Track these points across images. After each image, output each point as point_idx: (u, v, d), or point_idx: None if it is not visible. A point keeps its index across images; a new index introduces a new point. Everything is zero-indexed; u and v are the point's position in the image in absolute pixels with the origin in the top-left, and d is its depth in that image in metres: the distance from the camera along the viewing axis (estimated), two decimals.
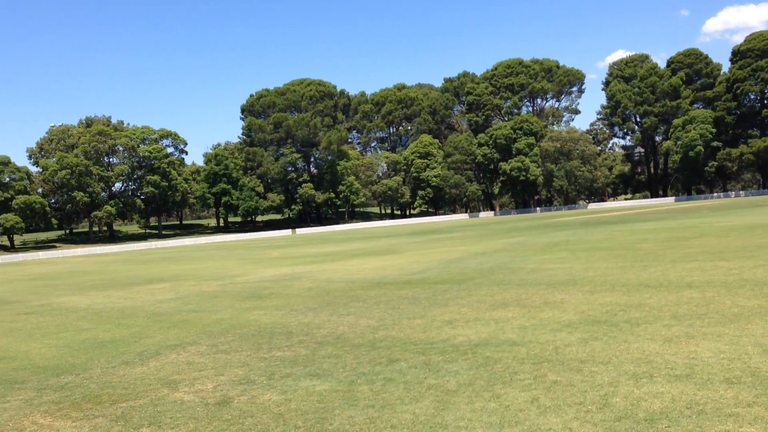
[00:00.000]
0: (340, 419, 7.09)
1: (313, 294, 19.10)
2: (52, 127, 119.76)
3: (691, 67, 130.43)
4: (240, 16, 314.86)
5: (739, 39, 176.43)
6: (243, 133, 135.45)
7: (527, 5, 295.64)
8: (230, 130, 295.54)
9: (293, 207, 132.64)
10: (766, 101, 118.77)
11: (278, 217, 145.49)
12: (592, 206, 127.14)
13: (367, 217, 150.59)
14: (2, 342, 15.01)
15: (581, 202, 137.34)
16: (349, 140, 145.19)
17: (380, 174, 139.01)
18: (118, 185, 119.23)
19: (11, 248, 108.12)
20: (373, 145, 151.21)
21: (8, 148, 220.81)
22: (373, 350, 10.31)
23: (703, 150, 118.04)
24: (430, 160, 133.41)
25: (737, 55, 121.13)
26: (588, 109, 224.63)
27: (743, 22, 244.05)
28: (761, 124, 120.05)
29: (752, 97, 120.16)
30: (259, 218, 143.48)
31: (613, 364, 8.34)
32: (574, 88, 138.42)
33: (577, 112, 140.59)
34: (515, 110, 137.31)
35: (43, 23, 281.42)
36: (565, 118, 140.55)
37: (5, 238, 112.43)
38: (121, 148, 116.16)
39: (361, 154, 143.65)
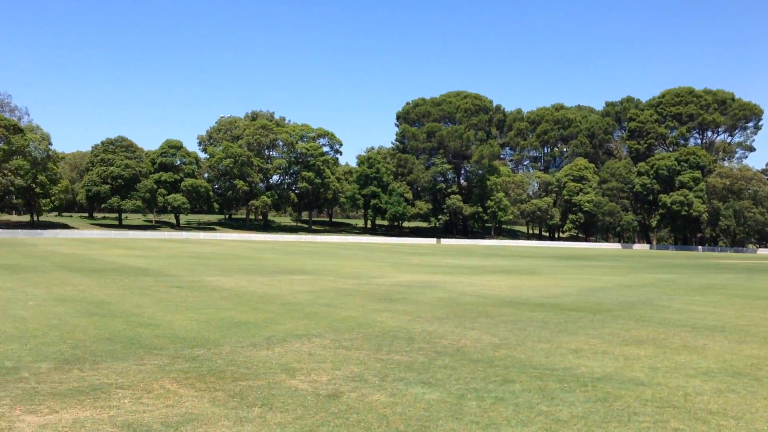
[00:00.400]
0: (442, 430, 7.05)
1: (442, 304, 19.09)
2: (222, 117, 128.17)
3: None
4: (404, 27, 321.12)
5: None
6: (396, 139, 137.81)
7: (699, 33, 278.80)
8: (383, 135, 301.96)
9: (440, 217, 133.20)
10: None
11: (424, 225, 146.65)
12: (762, 251, 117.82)
13: (514, 234, 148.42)
14: (152, 311, 16.21)
15: (750, 246, 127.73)
16: (501, 156, 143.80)
17: (530, 193, 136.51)
18: (275, 178, 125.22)
19: (177, 226, 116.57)
20: (525, 163, 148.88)
21: (182, 134, 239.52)
22: (490, 367, 10.15)
23: None
24: (584, 184, 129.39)
25: None
26: (764, 147, 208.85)
27: None
28: None
29: None
30: (406, 224, 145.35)
31: (745, 421, 7.70)
32: (750, 124, 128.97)
33: (751, 149, 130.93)
34: (681, 141, 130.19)
35: (219, 21, 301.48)
36: (737, 155, 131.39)
37: (173, 216, 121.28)
38: (280, 143, 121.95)
39: (513, 171, 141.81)
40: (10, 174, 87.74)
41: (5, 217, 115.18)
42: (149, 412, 7.46)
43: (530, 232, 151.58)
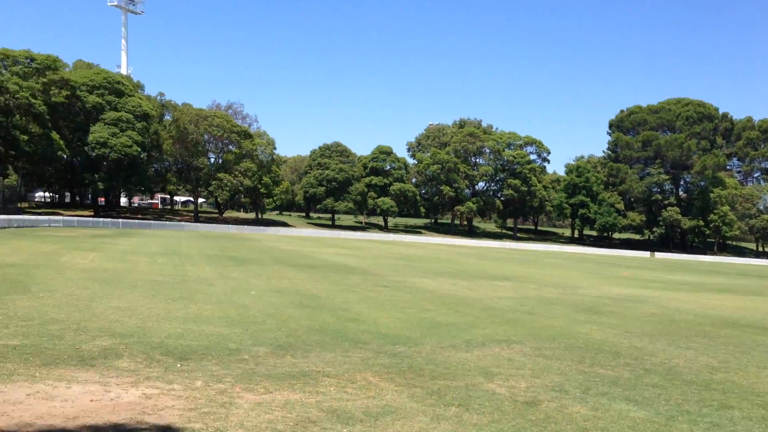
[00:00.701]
0: None
1: (654, 320, 17.96)
2: (430, 125, 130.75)
3: None
4: (617, 32, 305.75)
5: None
6: (608, 148, 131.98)
7: None
8: (593, 144, 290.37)
9: (654, 229, 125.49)
10: None
11: (637, 237, 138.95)
12: None
13: (741, 251, 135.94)
14: (358, 307, 16.94)
15: None
16: (728, 167, 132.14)
17: (762, 207, 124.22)
18: (481, 184, 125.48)
19: (384, 228, 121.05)
20: (756, 175, 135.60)
21: (392, 141, 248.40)
22: (705, 390, 9.37)
23: None
24: None
25: None
26: None
27: None
28: None
29: None
30: (616, 235, 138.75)
31: None
32: None
33: None
34: None
35: (430, 30, 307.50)
36: None
37: (381, 218, 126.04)
38: (487, 150, 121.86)
39: (740, 183, 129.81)
40: (240, 175, 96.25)
41: (234, 213, 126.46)
42: (352, 401, 7.79)
43: (760, 249, 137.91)
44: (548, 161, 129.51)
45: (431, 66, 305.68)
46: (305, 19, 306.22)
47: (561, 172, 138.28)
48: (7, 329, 10.69)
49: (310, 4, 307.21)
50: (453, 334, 13.21)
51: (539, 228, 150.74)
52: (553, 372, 10.01)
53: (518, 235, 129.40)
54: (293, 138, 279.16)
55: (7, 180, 70.56)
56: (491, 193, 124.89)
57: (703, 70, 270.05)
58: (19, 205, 73.93)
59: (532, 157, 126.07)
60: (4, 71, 72.42)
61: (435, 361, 10.38)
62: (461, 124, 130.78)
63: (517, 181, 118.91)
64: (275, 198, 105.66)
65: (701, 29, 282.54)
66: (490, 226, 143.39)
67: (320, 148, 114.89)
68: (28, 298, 14.65)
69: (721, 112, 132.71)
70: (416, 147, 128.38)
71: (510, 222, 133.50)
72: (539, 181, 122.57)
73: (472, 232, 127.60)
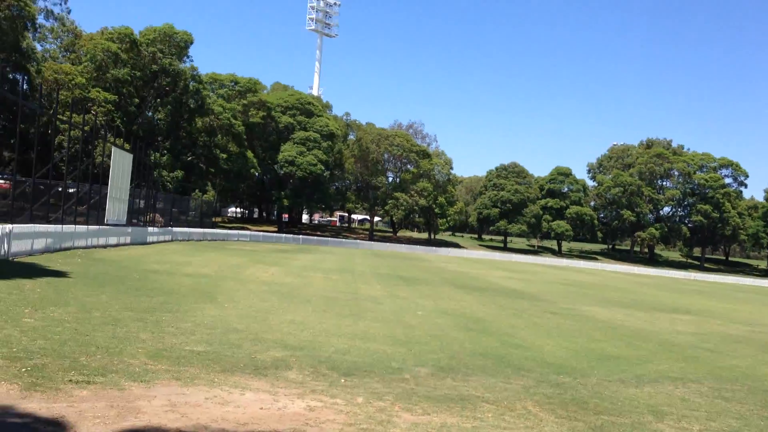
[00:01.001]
0: None
1: None
2: (614, 145, 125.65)
3: None
4: None
5: None
6: None
7: None
8: None
9: None
10: None
11: None
12: None
13: None
14: (524, 333, 16.67)
15: None
16: None
17: None
18: (666, 209, 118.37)
19: (558, 253, 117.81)
20: None
21: (571, 162, 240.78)
22: None
23: None
24: None
25: None
26: None
27: None
28: None
29: None
30: None
31: None
32: None
33: None
34: None
35: (608, 49, 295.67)
36: None
37: (555, 242, 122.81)
38: (676, 173, 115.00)
39: None
40: (416, 195, 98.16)
41: (408, 233, 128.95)
42: (510, 429, 7.69)
43: None
44: (745, 185, 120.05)
45: (615, 82, 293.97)
46: (486, 42, 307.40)
47: (760, 197, 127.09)
48: (194, 336, 11.68)
49: (491, 26, 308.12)
50: (623, 368, 12.62)
51: (730, 258, 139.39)
52: (732, 416, 9.26)
53: (705, 265, 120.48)
54: (470, 158, 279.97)
55: (205, 195, 76.97)
56: (677, 218, 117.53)
57: None
58: (213, 219, 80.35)
59: (727, 180, 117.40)
60: (211, 94, 79.36)
61: (601, 394, 9.97)
62: (648, 145, 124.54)
63: (707, 207, 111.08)
64: (449, 219, 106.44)
65: None
66: (674, 255, 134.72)
67: (496, 168, 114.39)
68: (215, 307, 15.90)
69: None
70: (597, 168, 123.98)
71: (697, 251, 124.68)
72: (733, 207, 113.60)
73: (653, 260, 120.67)
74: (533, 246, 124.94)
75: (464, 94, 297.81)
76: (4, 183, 41.43)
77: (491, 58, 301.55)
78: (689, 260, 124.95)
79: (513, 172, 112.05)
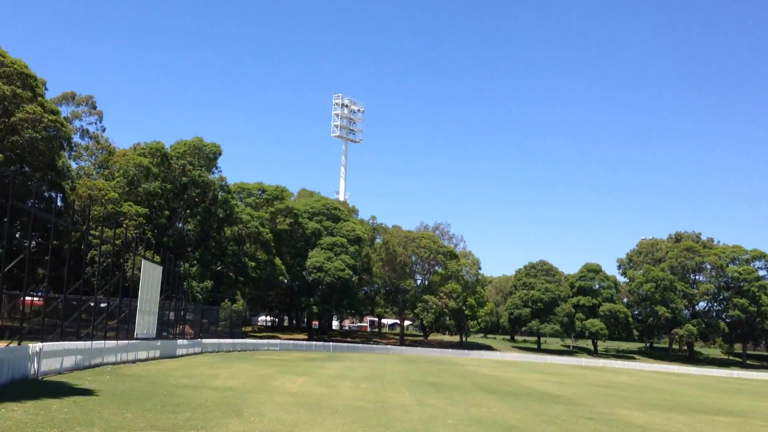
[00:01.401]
0: None
1: None
2: (642, 240, 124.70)
3: None
4: None
5: None
6: None
7: None
8: None
9: None
10: None
11: None
12: None
13: None
14: None
15: None
16: None
17: None
18: (702, 304, 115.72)
19: (594, 353, 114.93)
20: None
21: (600, 257, 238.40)
22: None
23: None
24: None
25: None
26: None
27: None
28: None
29: None
30: None
31: None
32: None
33: None
34: None
35: (639, 139, 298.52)
36: None
37: (590, 342, 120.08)
38: (708, 266, 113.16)
39: None
40: (445, 297, 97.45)
41: (439, 336, 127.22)
42: None
43: None
44: None
45: (642, 175, 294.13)
46: (510, 140, 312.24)
47: None
48: None
49: (512, 125, 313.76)
50: None
51: None
52: None
53: (748, 362, 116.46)
54: (499, 257, 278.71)
55: (235, 305, 77.23)
56: (714, 314, 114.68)
57: None
58: (243, 329, 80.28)
59: (762, 272, 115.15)
60: (240, 203, 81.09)
61: None
62: (677, 238, 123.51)
63: (744, 301, 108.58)
64: (480, 320, 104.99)
65: None
66: (715, 352, 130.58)
67: (525, 267, 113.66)
68: (241, 422, 15.72)
69: None
70: (627, 264, 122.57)
71: (738, 346, 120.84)
72: None
73: (693, 358, 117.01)
74: (568, 346, 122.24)
75: (489, 192, 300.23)
76: (38, 300, 42.14)
77: (515, 157, 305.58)
78: (730, 357, 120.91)
79: (542, 271, 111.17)
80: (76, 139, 64.65)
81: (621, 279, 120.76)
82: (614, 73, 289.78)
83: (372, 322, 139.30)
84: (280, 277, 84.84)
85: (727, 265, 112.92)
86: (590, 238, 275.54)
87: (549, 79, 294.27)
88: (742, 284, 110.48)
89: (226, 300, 73.41)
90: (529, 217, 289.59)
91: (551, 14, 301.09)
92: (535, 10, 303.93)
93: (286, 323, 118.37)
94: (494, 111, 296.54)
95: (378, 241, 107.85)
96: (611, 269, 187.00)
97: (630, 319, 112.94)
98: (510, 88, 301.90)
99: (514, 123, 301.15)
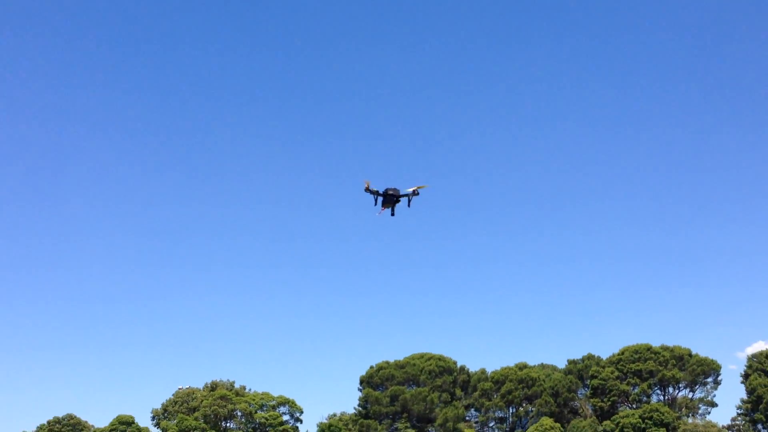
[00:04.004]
0: None
1: None
2: (179, 389, 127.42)
3: None
4: (366, 293, 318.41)
5: None
6: (359, 404, 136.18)
7: (652, 287, 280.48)
8: (349, 400, 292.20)
9: None
10: None
11: None
12: None
13: None
14: None
15: None
16: (467, 418, 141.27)
17: None
18: None
19: None
20: (491, 425, 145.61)
21: (135, 409, 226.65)
22: None
23: None
24: None
25: None
26: (728, 402, 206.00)
27: None
28: None
29: None
30: None
31: None
32: (710, 379, 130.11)
33: (713, 404, 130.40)
34: (644, 398, 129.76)
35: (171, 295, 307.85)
36: (700, 411, 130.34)
37: None
38: (239, 413, 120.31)
39: None
40: None
41: None
42: None
43: None
44: (301, 421, 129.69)
45: (180, 326, 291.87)
46: None
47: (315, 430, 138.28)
48: None
49: None
50: None
51: None
52: None
53: None
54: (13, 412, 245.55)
55: None
56: None
57: (442, 326, 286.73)
58: None
59: (285, 417, 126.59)
60: None
61: None
62: (212, 387, 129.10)
63: None
64: None
65: (445, 289, 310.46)
66: None
67: (49, 422, 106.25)
68: None
69: (459, 365, 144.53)
70: (162, 414, 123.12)
71: None
72: None
73: None
74: None
75: None
76: None
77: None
78: None
79: (68, 425, 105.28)
80: None
81: (154, 431, 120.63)
82: None
83: None
84: None
85: (256, 412, 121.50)
86: (126, 390, 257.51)
87: None
88: (268, 429, 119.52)
89: None
90: (53, 368, 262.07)
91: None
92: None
93: None
94: None
95: None
96: (146, 420, 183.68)
97: None
98: None
99: None
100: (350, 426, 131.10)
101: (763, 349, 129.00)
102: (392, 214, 61.55)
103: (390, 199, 60.59)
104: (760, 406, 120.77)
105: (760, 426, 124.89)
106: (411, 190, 60.68)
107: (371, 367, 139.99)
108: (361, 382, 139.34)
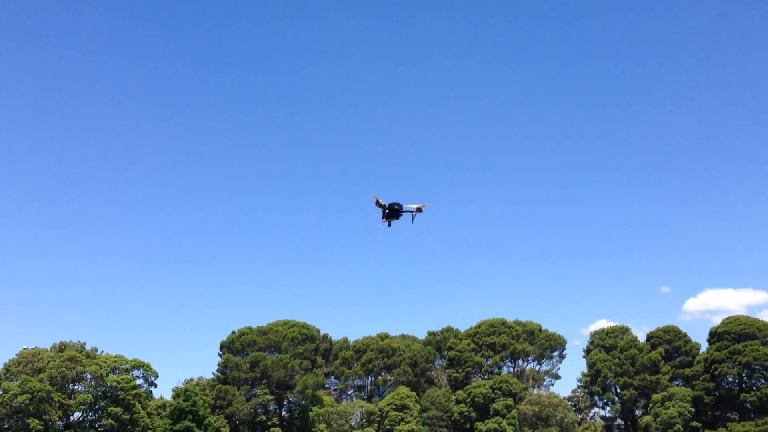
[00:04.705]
0: None
1: None
2: (24, 349, 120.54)
3: (671, 343, 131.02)
4: (230, 258, 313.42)
5: (717, 320, 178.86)
6: (218, 370, 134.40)
7: (513, 266, 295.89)
8: (210, 365, 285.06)
9: None
10: (744, 385, 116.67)
11: None
12: None
13: None
14: None
15: None
16: (326, 386, 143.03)
17: (353, 424, 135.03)
18: (77, 414, 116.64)
19: None
20: (349, 392, 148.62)
21: None
22: None
23: (682, 429, 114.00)
24: (405, 413, 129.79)
25: (715, 336, 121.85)
26: (570, 375, 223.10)
27: (722, 305, 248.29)
28: (740, 408, 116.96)
29: (730, 379, 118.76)
30: None
31: None
32: (556, 353, 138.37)
33: (557, 377, 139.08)
34: (496, 369, 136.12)
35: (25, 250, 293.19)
36: (545, 383, 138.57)
37: None
38: (89, 376, 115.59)
39: (337, 401, 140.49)
40: None
41: None
42: None
43: None
44: (155, 385, 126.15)
45: (26, 284, 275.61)
46: None
47: (169, 396, 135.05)
48: None
49: None
50: None
51: None
52: None
53: None
54: None
55: None
56: (88, 423, 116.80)
57: (308, 295, 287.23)
58: None
59: (139, 381, 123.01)
60: None
61: None
62: (61, 348, 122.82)
63: (118, 409, 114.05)
64: None
65: (314, 259, 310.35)
66: None
67: None
68: None
69: (322, 333, 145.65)
70: (5, 375, 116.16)
71: None
72: (144, 408, 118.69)
73: None
74: None
75: None
76: None
77: None
78: None
79: None
80: None
81: None
82: None
83: None
84: None
85: (108, 375, 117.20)
86: None
87: None
88: (119, 393, 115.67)
89: None
90: None
91: None
92: None
93: None
94: None
95: None
96: None
97: None
98: None
99: None
100: (207, 391, 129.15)
101: (605, 326, 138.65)
102: (389, 225, 62.45)
103: (394, 213, 61.77)
104: (598, 380, 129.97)
105: (596, 398, 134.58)
106: (415, 207, 61.68)
107: (233, 333, 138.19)
108: (222, 348, 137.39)
